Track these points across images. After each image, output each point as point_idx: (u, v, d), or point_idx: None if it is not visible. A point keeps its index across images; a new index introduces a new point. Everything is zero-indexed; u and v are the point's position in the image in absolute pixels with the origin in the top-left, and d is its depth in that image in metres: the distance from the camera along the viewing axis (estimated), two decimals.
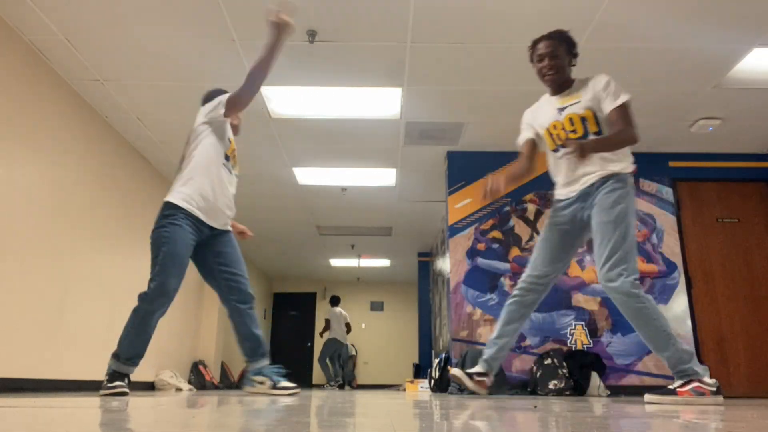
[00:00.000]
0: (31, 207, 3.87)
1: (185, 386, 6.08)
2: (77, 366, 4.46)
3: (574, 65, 2.79)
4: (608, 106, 2.64)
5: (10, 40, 3.62)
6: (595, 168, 2.69)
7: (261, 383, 3.00)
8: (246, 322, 2.99)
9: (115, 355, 2.86)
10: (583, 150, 2.45)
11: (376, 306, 12.61)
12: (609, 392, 4.61)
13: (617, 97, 2.64)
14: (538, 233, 5.22)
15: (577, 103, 2.69)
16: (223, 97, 2.94)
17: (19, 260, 3.74)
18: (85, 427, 1.05)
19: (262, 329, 3.04)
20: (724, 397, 2.96)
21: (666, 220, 5.25)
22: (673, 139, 5.24)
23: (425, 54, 3.95)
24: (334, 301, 9.74)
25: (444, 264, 6.89)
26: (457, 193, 5.38)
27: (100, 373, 4.84)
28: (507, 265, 5.12)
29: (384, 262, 10.72)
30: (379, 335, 12.38)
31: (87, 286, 4.59)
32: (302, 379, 12.20)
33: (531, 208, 5.32)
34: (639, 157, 5.46)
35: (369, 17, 3.57)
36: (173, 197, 2.82)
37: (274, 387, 2.98)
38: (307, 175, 6.19)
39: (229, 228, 3.05)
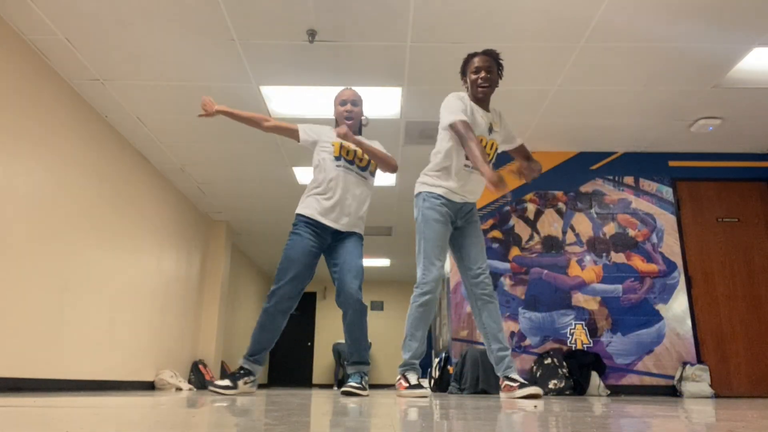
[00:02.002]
0: (31, 206, 3.87)
1: (185, 386, 6.08)
2: (77, 365, 4.46)
3: (498, 86, 3.13)
4: (518, 140, 3.20)
5: (10, 40, 3.62)
6: (478, 196, 3.13)
7: None
8: (344, 324, 3.05)
9: (246, 354, 3.03)
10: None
11: (376, 306, 12.62)
12: (609, 392, 4.61)
13: (517, 137, 3.20)
14: (538, 233, 5.23)
15: (497, 134, 3.08)
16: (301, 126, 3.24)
17: (19, 260, 3.74)
18: (85, 427, 1.05)
19: (358, 335, 3.05)
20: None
21: (666, 220, 5.25)
22: (673, 138, 5.24)
23: (425, 54, 3.95)
24: None
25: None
26: None
27: (100, 373, 4.85)
28: (507, 265, 5.12)
29: (384, 262, 10.72)
30: (379, 335, 12.38)
31: (87, 286, 4.59)
32: (302, 379, 12.20)
33: (531, 207, 5.32)
34: (639, 157, 5.48)
35: (369, 17, 3.57)
36: (298, 208, 3.10)
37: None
38: (307, 175, 6.19)
39: (356, 231, 3.10)
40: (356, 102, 3.21)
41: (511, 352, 3.07)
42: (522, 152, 3.20)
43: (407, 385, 2.88)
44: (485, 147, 2.98)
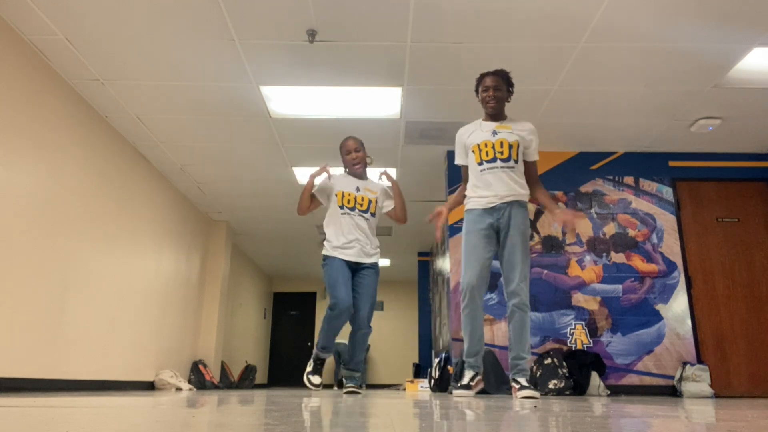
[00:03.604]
0: (31, 206, 3.87)
1: (185, 386, 6.08)
2: (77, 366, 4.46)
3: (509, 101, 3.39)
4: (532, 156, 3.35)
5: (10, 40, 3.62)
6: (514, 191, 3.28)
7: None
8: (351, 339, 3.71)
9: (317, 345, 3.73)
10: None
11: (377, 306, 12.62)
12: (609, 392, 4.61)
13: (536, 152, 3.36)
14: (538, 233, 5.23)
15: (510, 133, 3.30)
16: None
17: (19, 260, 3.74)
18: (85, 427, 1.05)
19: (359, 349, 3.70)
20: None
21: (666, 220, 5.25)
22: (673, 138, 5.24)
23: (425, 54, 3.95)
24: None
25: (444, 263, 6.89)
26: None
27: (100, 373, 4.85)
28: None
29: (384, 262, 10.72)
30: (379, 335, 12.38)
31: (87, 286, 4.59)
32: (302, 378, 12.20)
33: (531, 207, 5.32)
34: (639, 157, 5.48)
35: (369, 17, 3.57)
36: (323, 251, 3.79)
37: (341, 387, 3.83)
38: (307, 175, 6.19)
39: (370, 261, 3.68)
40: (359, 148, 3.76)
41: (524, 361, 3.20)
42: (527, 171, 3.36)
43: (459, 384, 3.27)
44: (494, 146, 3.28)
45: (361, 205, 3.70)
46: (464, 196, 3.38)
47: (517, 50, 3.91)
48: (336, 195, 3.71)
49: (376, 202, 3.74)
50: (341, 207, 3.67)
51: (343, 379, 3.75)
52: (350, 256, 3.64)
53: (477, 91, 3.40)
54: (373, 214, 3.73)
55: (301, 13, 3.52)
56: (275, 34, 3.72)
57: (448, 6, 3.47)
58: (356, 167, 3.74)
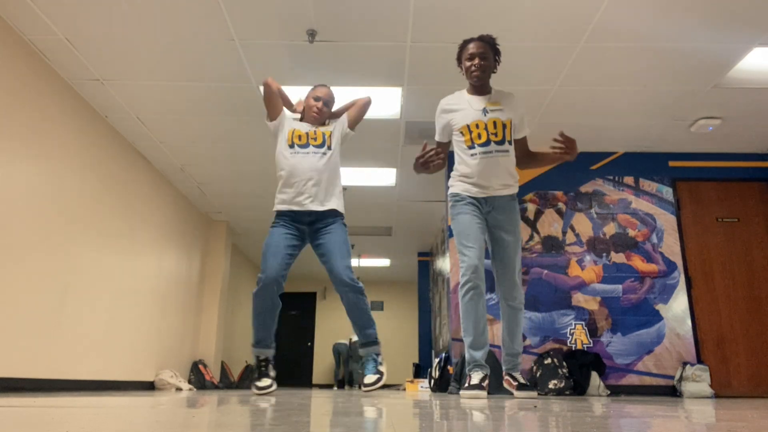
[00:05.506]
0: (32, 206, 3.87)
1: (185, 386, 6.08)
2: (77, 365, 4.46)
3: (495, 72, 3.03)
4: (523, 131, 3.06)
5: (10, 40, 3.62)
6: (509, 182, 2.99)
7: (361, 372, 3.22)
8: (345, 306, 3.11)
9: (252, 344, 3.12)
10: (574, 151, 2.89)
11: (376, 306, 12.62)
12: (609, 392, 4.61)
13: (526, 125, 3.08)
14: (538, 233, 5.23)
15: (501, 111, 2.95)
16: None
17: (19, 260, 3.74)
18: (85, 427, 1.05)
19: (358, 315, 3.08)
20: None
21: (666, 220, 5.25)
22: (673, 138, 5.24)
23: (425, 54, 3.95)
24: None
25: (444, 264, 6.89)
26: None
27: (100, 373, 4.85)
28: None
29: (384, 262, 10.72)
30: (379, 335, 12.37)
31: (87, 286, 4.59)
32: (302, 378, 12.20)
33: (531, 207, 5.32)
34: (639, 157, 5.48)
35: (369, 17, 3.57)
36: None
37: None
38: None
39: (328, 207, 3.11)
40: (328, 103, 3.30)
41: (519, 356, 3.06)
42: (519, 147, 3.07)
43: (467, 384, 2.88)
44: (486, 127, 2.92)
45: (315, 139, 3.16)
46: (442, 154, 2.93)
47: (517, 50, 3.91)
48: (287, 133, 3.19)
49: (331, 134, 3.20)
50: (291, 146, 3.15)
51: (358, 372, 3.44)
52: (303, 204, 3.08)
53: (459, 59, 3.00)
54: (330, 148, 3.17)
55: (301, 13, 3.52)
56: (275, 34, 3.72)
57: (448, 6, 3.47)
58: (314, 114, 3.25)
